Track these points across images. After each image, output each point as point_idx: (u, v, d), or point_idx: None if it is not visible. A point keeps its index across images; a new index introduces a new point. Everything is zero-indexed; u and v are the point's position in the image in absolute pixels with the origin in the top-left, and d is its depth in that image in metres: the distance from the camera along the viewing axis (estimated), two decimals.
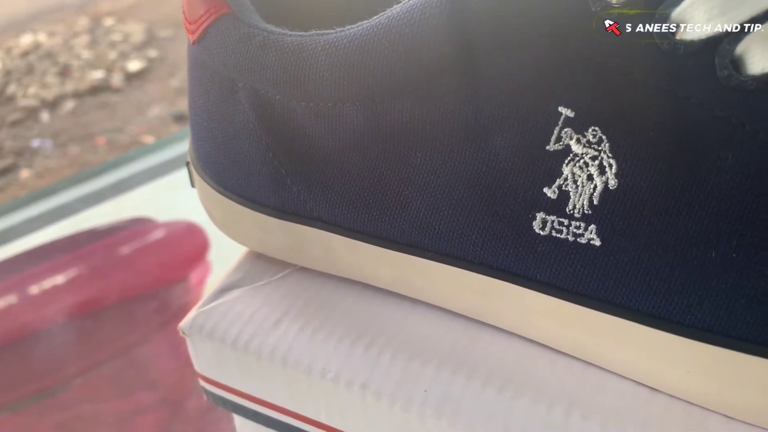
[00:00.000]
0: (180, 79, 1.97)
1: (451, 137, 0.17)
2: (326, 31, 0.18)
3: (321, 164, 0.19)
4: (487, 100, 0.17)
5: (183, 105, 1.89)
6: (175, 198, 0.51)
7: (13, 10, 2.42)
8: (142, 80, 2.01)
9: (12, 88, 2.06)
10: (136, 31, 2.22)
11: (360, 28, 0.17)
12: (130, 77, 2.02)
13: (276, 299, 0.22)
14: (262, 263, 0.23)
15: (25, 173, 1.78)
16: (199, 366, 0.23)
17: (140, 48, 2.15)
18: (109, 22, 2.31)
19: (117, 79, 2.00)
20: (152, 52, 2.11)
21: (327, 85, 0.18)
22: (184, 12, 0.20)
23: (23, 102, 1.99)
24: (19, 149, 1.85)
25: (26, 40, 2.27)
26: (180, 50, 2.11)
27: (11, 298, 0.44)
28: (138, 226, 0.49)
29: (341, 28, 0.18)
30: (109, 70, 2.06)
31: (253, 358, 0.21)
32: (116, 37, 2.22)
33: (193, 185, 0.24)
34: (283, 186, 0.20)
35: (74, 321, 0.44)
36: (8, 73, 2.14)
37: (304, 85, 0.18)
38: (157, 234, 0.48)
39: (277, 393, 0.21)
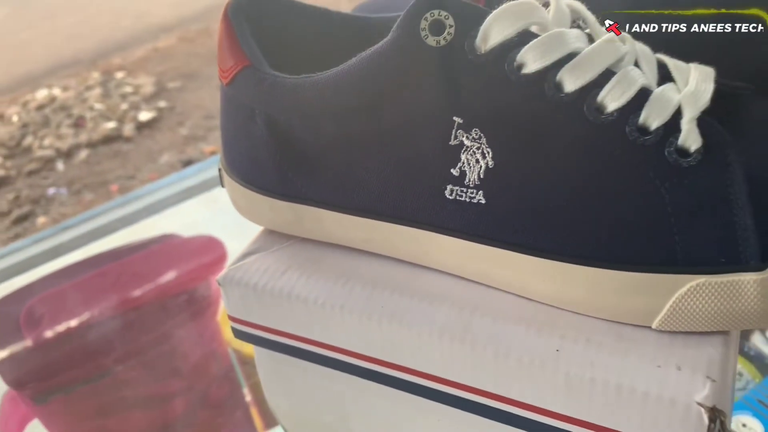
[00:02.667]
0: (188, 127, 2.09)
1: (390, 139, 0.28)
2: (312, 75, 0.28)
3: (311, 160, 0.30)
4: (412, 116, 0.27)
5: (192, 152, 2.00)
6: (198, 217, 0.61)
7: (29, 67, 2.55)
8: (153, 129, 2.13)
9: (29, 140, 2.17)
10: (146, 83, 2.35)
11: (331, 72, 0.27)
12: (141, 127, 2.14)
13: (283, 258, 0.32)
14: (273, 236, 0.33)
15: (42, 220, 1.88)
16: (230, 309, 0.33)
17: (150, 99, 2.27)
18: (120, 75, 2.44)
19: (128, 129, 2.12)
20: (162, 103, 2.23)
21: (312, 108, 0.28)
22: (219, 63, 0.31)
23: (39, 152, 2.10)
24: (36, 197, 1.95)
25: (42, 94, 2.40)
26: (188, 101, 2.23)
27: (66, 298, 0.54)
28: (166, 239, 0.59)
29: (321, 72, 0.28)
30: (121, 120, 2.18)
31: (268, 296, 0.31)
32: (127, 89, 2.34)
33: (222, 185, 0.34)
34: (286, 178, 0.30)
35: (118, 316, 0.53)
36: (25, 125, 2.26)
37: (299, 109, 0.29)
38: (183, 245, 0.58)
39: (284, 321, 0.31)
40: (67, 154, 2.09)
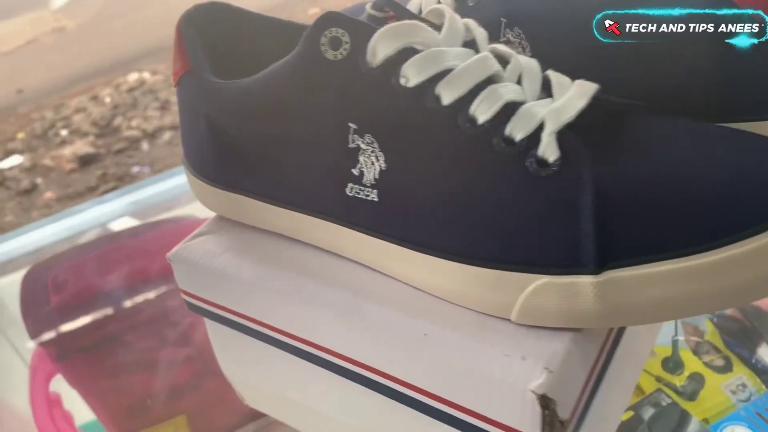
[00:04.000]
0: None
1: (302, 140, 0.31)
2: (237, 81, 0.32)
3: (242, 156, 0.33)
4: (317, 120, 0.30)
5: None
6: None
7: (123, 52, 2.70)
8: None
9: (118, 120, 2.31)
10: None
11: (251, 79, 0.31)
12: None
13: (223, 241, 0.36)
14: (222, 221, 0.37)
15: None
16: (180, 282, 0.37)
17: None
18: None
19: None
20: None
21: (239, 110, 0.32)
22: (173, 67, 0.35)
23: (127, 132, 2.23)
24: (121, 175, 2.08)
25: (133, 77, 2.54)
26: None
27: (86, 268, 0.60)
28: (182, 221, 0.64)
29: (245, 78, 0.32)
30: None
31: (207, 274, 0.35)
32: None
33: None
34: (224, 170, 0.35)
35: (129, 287, 0.59)
36: (116, 107, 2.40)
37: (228, 111, 0.32)
38: (194, 225, 0.63)
39: (220, 296, 0.35)
40: (152, 135, 2.21)
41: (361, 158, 0.30)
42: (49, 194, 1.98)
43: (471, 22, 0.30)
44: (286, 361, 0.35)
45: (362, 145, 0.30)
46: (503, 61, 0.29)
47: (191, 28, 0.34)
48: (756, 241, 0.24)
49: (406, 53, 0.28)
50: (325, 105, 0.30)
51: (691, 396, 0.65)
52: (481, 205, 0.28)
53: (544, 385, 0.26)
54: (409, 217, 0.29)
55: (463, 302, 0.29)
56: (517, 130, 0.27)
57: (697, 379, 0.67)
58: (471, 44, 0.30)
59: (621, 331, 0.31)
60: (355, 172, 0.30)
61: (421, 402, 0.29)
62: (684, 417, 0.61)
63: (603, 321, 0.26)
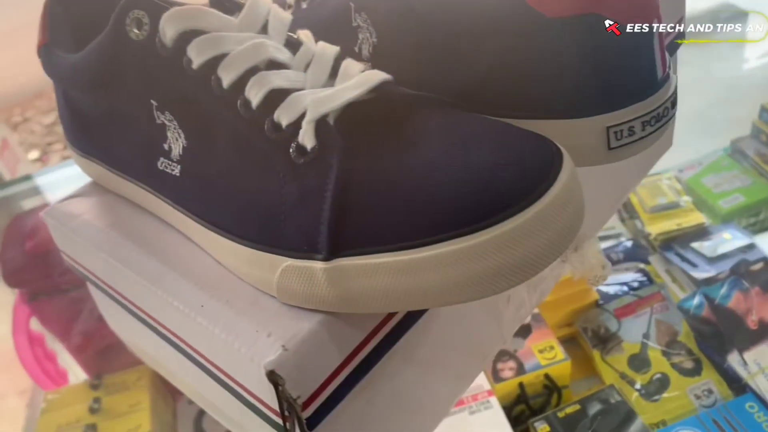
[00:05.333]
0: None
1: (122, 114, 0.33)
2: (72, 55, 0.34)
3: (86, 125, 0.36)
4: (129, 98, 0.32)
5: None
6: None
7: None
8: None
9: None
10: None
11: (76, 55, 0.33)
12: None
13: (84, 204, 0.38)
14: (94, 185, 0.40)
15: None
16: (57, 242, 0.40)
17: None
18: None
19: None
20: None
21: (74, 82, 0.34)
22: None
23: None
24: None
25: None
26: None
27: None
28: None
29: (74, 54, 0.34)
30: None
31: (69, 233, 0.38)
32: None
33: None
34: (82, 141, 0.37)
35: None
36: None
37: (69, 82, 0.35)
38: None
39: (79, 255, 0.38)
40: None
41: (169, 134, 0.31)
42: None
43: (274, 8, 0.31)
44: (132, 321, 0.37)
45: (166, 122, 0.31)
46: (295, 48, 0.30)
47: (57, 5, 0.37)
48: (470, 240, 0.24)
49: (193, 36, 0.29)
50: (132, 81, 0.31)
51: (653, 396, 0.64)
52: (249, 187, 0.29)
53: (273, 362, 0.27)
54: (201, 195, 0.31)
55: (242, 277, 0.30)
56: (284, 116, 0.28)
57: (661, 380, 0.66)
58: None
59: (413, 317, 0.32)
60: (165, 146, 0.32)
61: (208, 369, 0.31)
62: (629, 416, 0.60)
63: (339, 306, 0.27)
